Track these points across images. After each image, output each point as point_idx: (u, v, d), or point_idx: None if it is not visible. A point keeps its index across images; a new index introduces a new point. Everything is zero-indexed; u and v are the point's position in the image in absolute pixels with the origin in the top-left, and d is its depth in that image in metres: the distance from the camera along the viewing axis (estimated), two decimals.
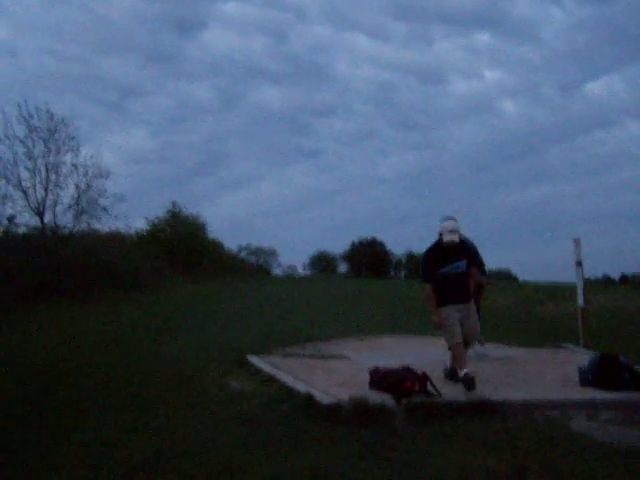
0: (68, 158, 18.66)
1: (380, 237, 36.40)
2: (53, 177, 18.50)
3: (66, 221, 18.92)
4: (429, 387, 5.20)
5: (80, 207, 18.93)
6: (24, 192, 17.97)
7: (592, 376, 5.66)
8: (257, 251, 37.92)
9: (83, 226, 19.34)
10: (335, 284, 24.45)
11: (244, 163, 64.03)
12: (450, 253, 5.93)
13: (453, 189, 64.05)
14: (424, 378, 5.22)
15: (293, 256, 75.83)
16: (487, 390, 5.36)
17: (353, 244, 35.96)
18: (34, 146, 18.15)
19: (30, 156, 18.10)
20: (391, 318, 12.86)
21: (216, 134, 62.89)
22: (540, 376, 5.66)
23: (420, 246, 38.36)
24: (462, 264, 5.99)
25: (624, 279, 34.32)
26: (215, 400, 5.59)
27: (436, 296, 5.90)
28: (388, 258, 37.19)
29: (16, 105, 17.79)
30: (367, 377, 5.56)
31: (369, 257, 34.14)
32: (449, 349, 5.92)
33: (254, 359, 7.36)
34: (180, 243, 25.51)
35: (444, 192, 63.44)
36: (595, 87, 73.00)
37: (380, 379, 5.36)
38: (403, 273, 38.58)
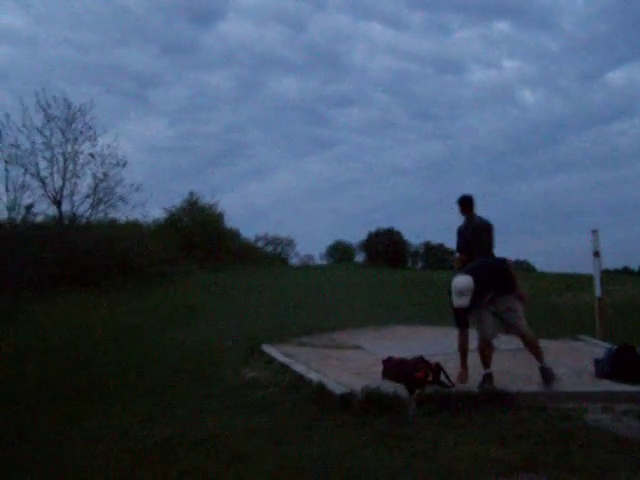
0: (85, 147, 18.76)
1: (397, 227, 36.25)
2: (71, 166, 18.58)
3: (83, 210, 19.06)
4: (442, 378, 5.18)
5: (97, 196, 19.04)
6: (42, 181, 18.05)
7: (608, 368, 5.58)
8: (274, 240, 37.98)
9: (100, 215, 19.48)
10: (351, 273, 24.42)
11: (262, 153, 63.91)
12: None
13: (471, 179, 63.38)
14: (437, 368, 5.20)
15: (311, 246, 76.07)
16: (501, 381, 5.32)
17: (370, 234, 35.84)
18: (52, 135, 18.21)
19: (48, 145, 18.18)
20: (407, 308, 12.81)
21: (234, 124, 62.89)
22: (555, 367, 5.59)
23: (437, 237, 38.23)
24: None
25: None
26: (228, 389, 5.63)
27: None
28: (405, 248, 37.01)
29: (34, 95, 17.88)
30: (381, 367, 5.55)
31: (386, 247, 33.96)
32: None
33: (269, 348, 7.39)
34: (197, 232, 25.60)
35: (462, 182, 63.10)
36: (615, 77, 71.70)
37: (393, 369, 5.35)
38: (420, 264, 38.41)
